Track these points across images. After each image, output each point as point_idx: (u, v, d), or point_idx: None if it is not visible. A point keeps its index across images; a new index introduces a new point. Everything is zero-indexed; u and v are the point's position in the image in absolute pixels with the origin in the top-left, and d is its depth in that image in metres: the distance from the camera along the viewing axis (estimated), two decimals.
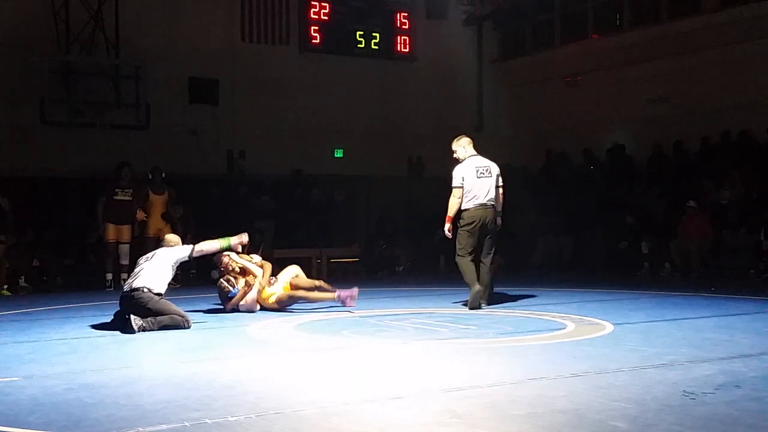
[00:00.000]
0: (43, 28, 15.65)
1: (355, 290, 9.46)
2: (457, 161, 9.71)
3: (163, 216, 13.49)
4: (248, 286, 9.18)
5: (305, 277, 9.76)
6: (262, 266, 9.44)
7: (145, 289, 7.88)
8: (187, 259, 8.43)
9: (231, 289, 9.10)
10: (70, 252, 14.39)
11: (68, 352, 6.72)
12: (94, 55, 16.07)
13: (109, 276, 12.94)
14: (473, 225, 9.47)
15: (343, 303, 9.36)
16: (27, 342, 7.25)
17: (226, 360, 6.28)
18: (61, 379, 5.51)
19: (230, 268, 9.21)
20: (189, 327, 7.93)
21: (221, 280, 9.23)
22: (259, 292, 9.20)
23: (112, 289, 12.31)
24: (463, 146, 9.71)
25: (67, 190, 15.49)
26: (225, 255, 9.15)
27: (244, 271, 9.27)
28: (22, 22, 15.78)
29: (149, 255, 8.35)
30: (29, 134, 15.71)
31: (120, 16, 16.25)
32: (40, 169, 15.46)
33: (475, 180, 9.51)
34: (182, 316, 7.99)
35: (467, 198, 9.48)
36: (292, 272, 9.65)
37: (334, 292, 9.44)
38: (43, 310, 10.00)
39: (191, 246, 8.43)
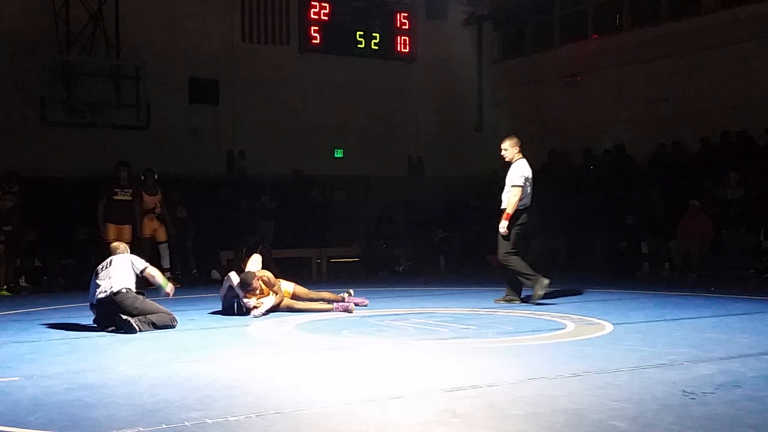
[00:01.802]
0: (43, 28, 15.66)
1: (351, 305, 9.38)
2: (504, 161, 9.82)
3: (158, 217, 13.51)
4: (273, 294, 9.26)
5: (306, 290, 9.71)
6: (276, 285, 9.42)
7: (125, 290, 7.85)
8: (138, 273, 8.15)
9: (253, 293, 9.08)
10: (70, 252, 14.38)
11: (68, 352, 6.72)
12: (94, 55, 16.07)
13: None
14: (524, 225, 9.64)
15: (344, 310, 9.36)
16: (27, 342, 7.25)
17: (226, 360, 6.29)
18: (61, 379, 5.52)
19: (258, 286, 9.18)
20: (176, 325, 7.96)
21: (254, 286, 9.12)
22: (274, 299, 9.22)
23: None
24: (513, 146, 9.82)
25: (67, 190, 15.49)
26: (257, 279, 9.09)
27: (268, 284, 9.28)
28: (22, 22, 15.78)
29: (107, 262, 8.13)
30: (29, 134, 15.71)
31: (120, 16, 16.25)
32: (40, 169, 15.45)
33: (530, 182, 9.69)
34: (168, 314, 8.01)
35: (522, 198, 9.61)
36: (293, 285, 9.64)
37: (332, 305, 9.40)
38: (43, 310, 10.00)
39: (146, 265, 8.26)
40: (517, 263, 9.64)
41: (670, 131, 16.86)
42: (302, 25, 18.66)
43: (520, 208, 9.56)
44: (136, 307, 7.80)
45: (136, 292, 7.95)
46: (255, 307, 8.97)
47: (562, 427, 4.14)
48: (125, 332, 7.52)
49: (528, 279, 9.62)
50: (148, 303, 7.98)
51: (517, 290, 9.86)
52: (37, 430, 4.23)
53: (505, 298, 9.88)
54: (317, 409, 4.57)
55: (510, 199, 9.55)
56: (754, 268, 13.16)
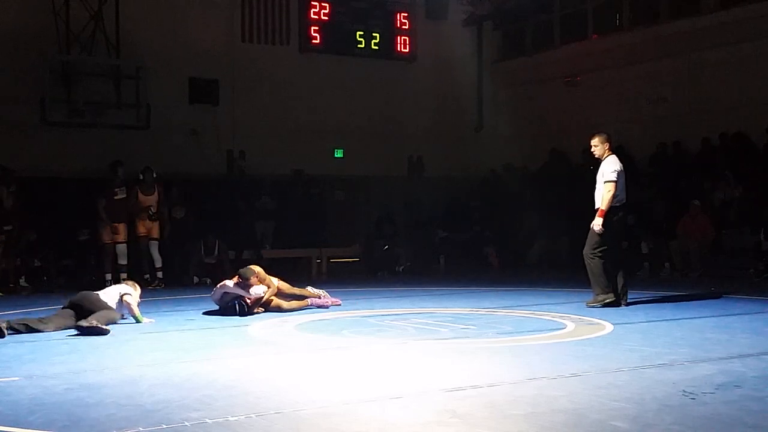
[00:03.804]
0: (43, 28, 15.64)
1: (328, 300, 9.67)
2: (594, 157, 9.67)
3: (150, 216, 13.45)
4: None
5: (288, 285, 9.87)
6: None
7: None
8: (120, 297, 8.39)
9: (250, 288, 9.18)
10: (70, 252, 14.38)
11: (68, 352, 6.72)
12: (94, 55, 16.06)
13: (109, 276, 12.92)
14: (618, 223, 9.37)
15: (319, 306, 9.63)
16: (27, 342, 7.25)
17: (226, 360, 6.29)
18: (61, 379, 5.51)
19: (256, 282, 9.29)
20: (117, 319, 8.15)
21: (251, 282, 9.24)
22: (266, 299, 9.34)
23: None
24: (603, 142, 9.58)
25: (68, 190, 15.48)
26: (255, 275, 9.23)
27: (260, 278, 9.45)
28: (22, 22, 15.77)
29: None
30: (29, 134, 15.70)
31: (120, 16, 16.24)
32: (40, 169, 15.44)
33: (623, 178, 9.45)
34: (116, 313, 8.17)
35: (616, 195, 9.31)
36: (277, 279, 9.76)
37: (309, 300, 9.67)
38: (43, 310, 9.98)
39: (130, 292, 8.50)
40: (596, 266, 9.25)
41: (670, 131, 16.86)
42: (302, 25, 18.66)
43: (616, 204, 9.29)
44: (93, 303, 7.97)
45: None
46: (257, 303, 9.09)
47: (562, 427, 4.14)
48: (98, 335, 7.51)
49: (599, 286, 9.28)
50: (96, 299, 8.09)
51: (616, 289, 9.38)
52: (37, 430, 4.23)
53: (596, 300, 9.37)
54: (317, 409, 4.57)
55: (604, 195, 9.25)
56: (754, 268, 13.16)
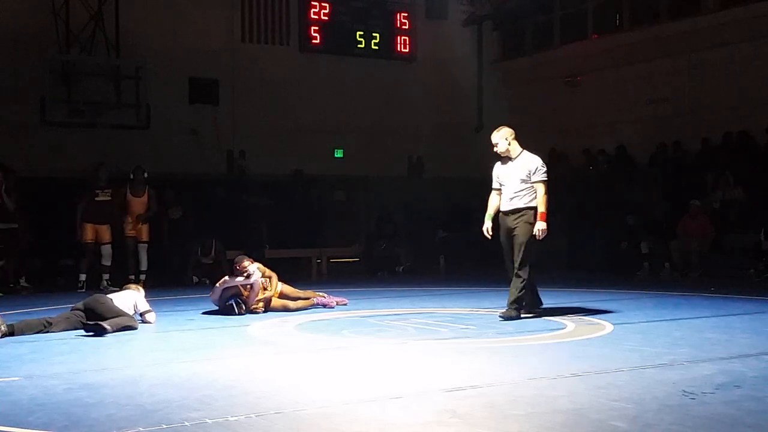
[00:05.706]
0: (43, 28, 15.64)
1: (333, 300, 9.73)
2: (499, 156, 8.67)
3: (138, 218, 13.31)
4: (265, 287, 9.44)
5: (293, 288, 9.90)
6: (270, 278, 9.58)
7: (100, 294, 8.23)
8: (138, 312, 8.31)
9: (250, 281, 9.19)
10: (70, 252, 14.35)
11: (68, 352, 6.72)
12: (94, 55, 16.06)
13: (83, 277, 12.76)
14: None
15: (324, 306, 9.67)
16: (27, 342, 7.24)
17: (226, 360, 6.29)
18: (61, 379, 5.51)
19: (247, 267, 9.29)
20: (137, 327, 8.04)
21: (245, 264, 9.25)
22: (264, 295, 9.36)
23: (83, 290, 12.18)
24: (504, 137, 8.62)
25: (68, 190, 15.46)
26: (247, 258, 9.27)
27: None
28: (22, 22, 15.77)
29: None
30: (29, 134, 15.70)
31: (120, 16, 16.23)
32: (40, 169, 15.44)
33: None
34: (132, 319, 8.11)
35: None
36: (281, 284, 9.77)
37: (314, 299, 9.73)
38: (43, 310, 9.98)
39: (149, 309, 8.41)
40: (529, 277, 8.27)
41: (671, 131, 16.87)
42: (302, 25, 18.67)
43: (534, 206, 8.34)
44: (108, 308, 7.87)
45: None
46: (255, 305, 9.09)
47: (562, 427, 4.14)
48: (96, 335, 7.50)
49: (519, 301, 8.31)
50: (110, 305, 8.01)
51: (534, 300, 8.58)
52: (37, 430, 4.23)
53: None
54: (317, 409, 4.57)
55: (541, 196, 8.28)
56: (754, 268, 13.17)
